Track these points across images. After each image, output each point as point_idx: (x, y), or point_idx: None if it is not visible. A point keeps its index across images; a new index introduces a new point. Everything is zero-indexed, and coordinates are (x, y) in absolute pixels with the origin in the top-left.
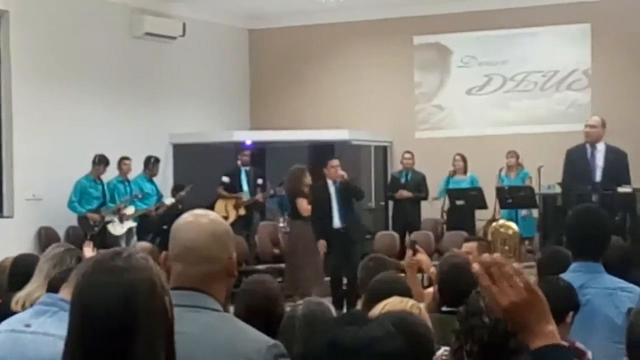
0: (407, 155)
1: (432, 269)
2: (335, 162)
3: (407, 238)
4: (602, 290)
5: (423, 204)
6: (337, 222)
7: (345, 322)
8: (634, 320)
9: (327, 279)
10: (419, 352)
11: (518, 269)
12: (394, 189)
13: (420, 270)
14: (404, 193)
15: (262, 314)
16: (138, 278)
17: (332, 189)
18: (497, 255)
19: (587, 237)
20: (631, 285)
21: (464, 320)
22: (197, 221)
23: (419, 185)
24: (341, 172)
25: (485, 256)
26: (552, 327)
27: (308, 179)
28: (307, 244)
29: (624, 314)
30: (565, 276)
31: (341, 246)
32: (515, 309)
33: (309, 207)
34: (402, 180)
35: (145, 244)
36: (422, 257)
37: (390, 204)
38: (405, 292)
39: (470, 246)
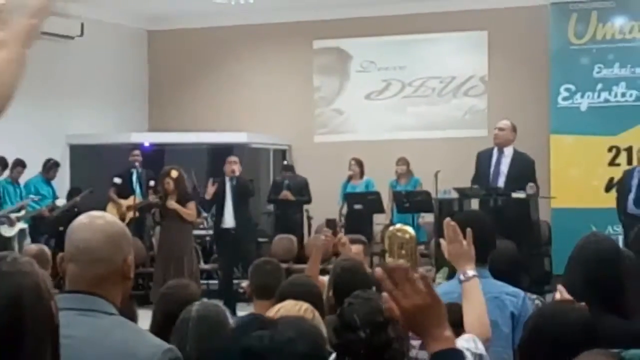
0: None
1: (353, 252)
2: (232, 158)
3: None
4: (487, 295)
5: (319, 210)
6: (228, 221)
7: (254, 327)
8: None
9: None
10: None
11: (422, 274)
12: (277, 192)
13: (336, 254)
14: (288, 195)
15: (176, 319)
16: (24, 282)
17: (227, 186)
18: (401, 261)
19: (472, 242)
20: (516, 290)
21: (340, 335)
22: (91, 222)
23: (302, 189)
24: (232, 167)
25: (389, 262)
26: (449, 332)
27: (169, 184)
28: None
29: (509, 318)
30: (453, 281)
31: (232, 247)
32: (417, 312)
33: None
34: (285, 183)
35: (33, 247)
36: (344, 239)
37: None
38: (318, 297)
39: (355, 248)
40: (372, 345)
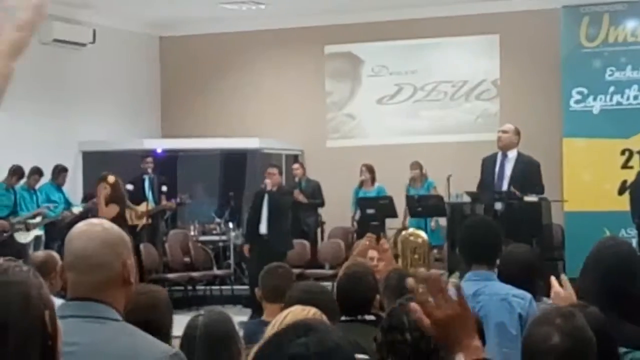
0: (296, 166)
1: (393, 264)
2: (269, 169)
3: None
4: (494, 296)
5: (331, 215)
6: (262, 229)
7: (297, 334)
8: (529, 331)
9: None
10: None
11: (455, 283)
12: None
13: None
14: (300, 196)
15: (141, 324)
16: (11, 292)
17: (265, 197)
18: (435, 271)
19: (480, 246)
20: (522, 292)
21: (386, 334)
22: (89, 230)
23: (314, 193)
24: (267, 180)
25: (421, 271)
26: (478, 342)
27: (106, 189)
28: None
29: (516, 320)
30: (465, 283)
31: (263, 254)
32: (448, 323)
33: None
34: (298, 188)
35: (40, 253)
36: (386, 245)
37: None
38: (332, 304)
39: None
40: (418, 349)
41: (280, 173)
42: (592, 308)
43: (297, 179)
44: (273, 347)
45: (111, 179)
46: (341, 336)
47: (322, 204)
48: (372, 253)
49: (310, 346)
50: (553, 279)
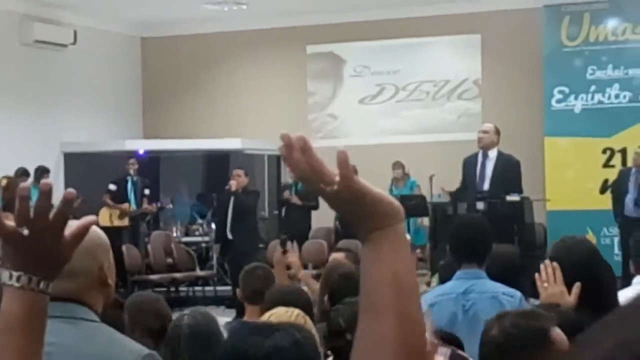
0: None
1: (302, 273)
2: (235, 171)
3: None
4: (484, 294)
5: (314, 214)
6: (228, 230)
7: (252, 333)
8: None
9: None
10: None
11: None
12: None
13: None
14: (294, 198)
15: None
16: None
17: (232, 197)
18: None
19: (470, 244)
20: (512, 290)
21: (329, 341)
22: None
23: (309, 195)
24: (232, 182)
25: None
26: None
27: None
28: None
29: None
30: (450, 283)
31: (233, 256)
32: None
33: None
34: (293, 189)
35: None
36: (292, 258)
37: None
38: (307, 304)
39: (337, 256)
40: None
41: (247, 175)
42: (564, 308)
43: (291, 181)
44: (229, 344)
45: (4, 181)
46: (297, 340)
47: (316, 207)
48: (337, 256)
49: (262, 345)
50: (537, 276)
